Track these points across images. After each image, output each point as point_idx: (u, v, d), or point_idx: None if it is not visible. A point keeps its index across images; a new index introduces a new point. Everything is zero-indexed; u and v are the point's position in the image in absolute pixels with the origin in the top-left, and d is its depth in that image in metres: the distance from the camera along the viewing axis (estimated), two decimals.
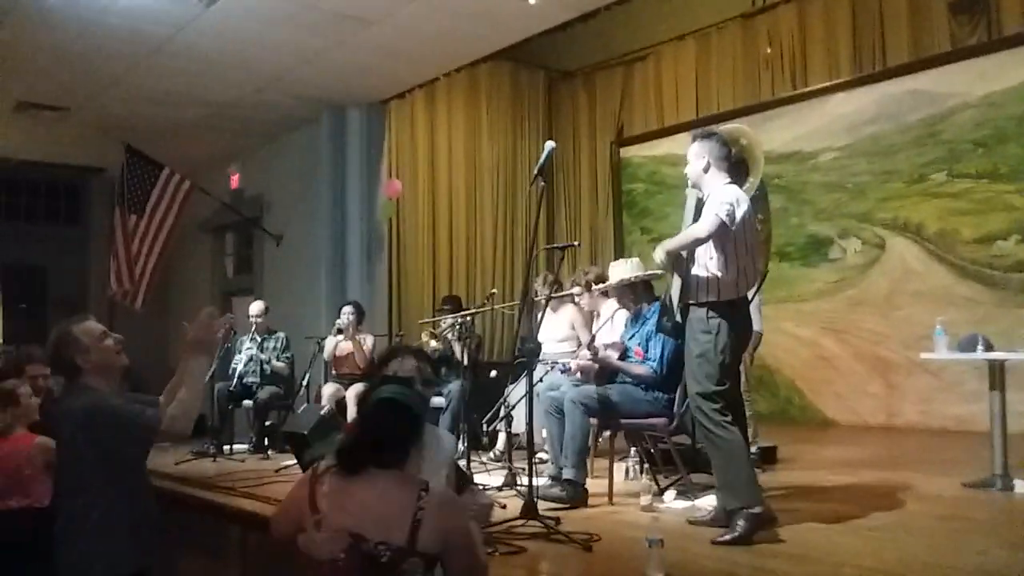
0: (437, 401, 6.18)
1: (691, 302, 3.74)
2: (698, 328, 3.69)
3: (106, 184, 11.28)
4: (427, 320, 7.27)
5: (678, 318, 3.81)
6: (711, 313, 3.67)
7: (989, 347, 4.64)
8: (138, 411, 2.84)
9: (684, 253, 3.77)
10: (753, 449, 4.90)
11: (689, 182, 3.89)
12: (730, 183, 3.77)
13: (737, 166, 4.04)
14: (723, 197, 3.65)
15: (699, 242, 3.67)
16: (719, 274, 3.67)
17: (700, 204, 3.78)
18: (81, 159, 10.95)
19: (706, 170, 3.78)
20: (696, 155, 3.81)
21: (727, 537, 3.51)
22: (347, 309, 6.95)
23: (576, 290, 5.53)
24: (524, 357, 4.84)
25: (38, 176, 11.50)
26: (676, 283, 3.81)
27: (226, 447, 6.91)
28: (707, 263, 3.70)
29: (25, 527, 3.58)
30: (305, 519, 2.20)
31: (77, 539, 2.80)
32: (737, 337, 3.73)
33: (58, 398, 3.09)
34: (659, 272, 4.78)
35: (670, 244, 3.75)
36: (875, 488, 4.66)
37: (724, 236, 3.63)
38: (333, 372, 7.09)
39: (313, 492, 2.21)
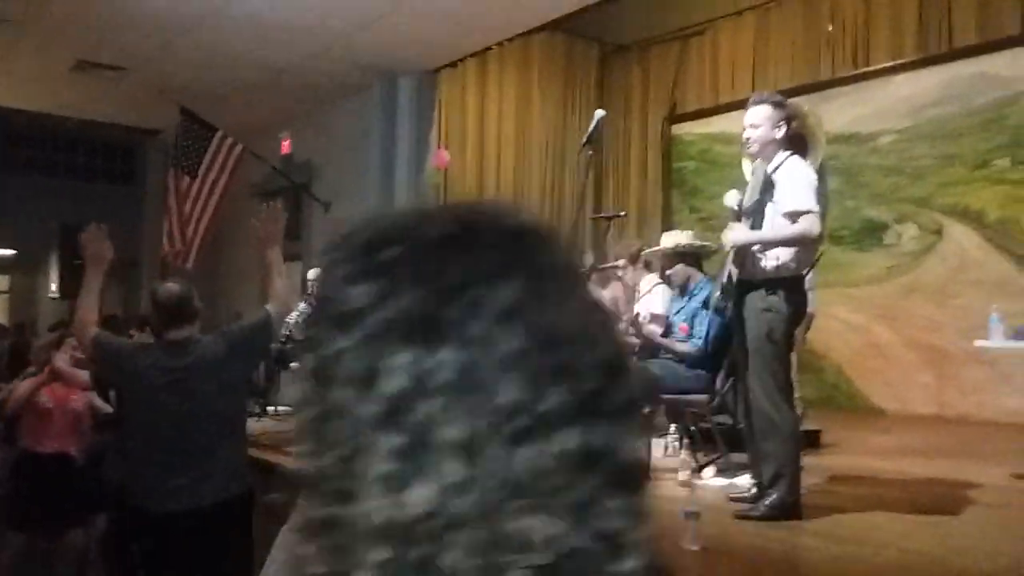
0: None
1: (749, 278, 3.60)
2: (757, 306, 3.56)
3: (161, 145, 11.47)
4: None
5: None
6: (770, 290, 3.54)
7: None
8: (252, 321, 3.29)
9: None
10: None
11: (751, 148, 3.68)
12: (793, 155, 3.64)
13: (793, 142, 3.92)
14: (803, 178, 3.52)
15: (809, 240, 3.52)
16: (780, 251, 3.55)
17: (768, 177, 3.58)
18: (137, 120, 11.14)
19: (776, 139, 3.61)
20: (768, 120, 3.61)
21: (751, 514, 3.47)
22: None
23: (620, 262, 5.47)
24: None
25: (96, 136, 11.75)
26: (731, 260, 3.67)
27: (270, 408, 7.01)
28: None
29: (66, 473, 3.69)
30: None
31: (204, 462, 3.03)
32: (794, 315, 3.64)
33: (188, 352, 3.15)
34: (712, 245, 4.71)
35: (765, 235, 3.54)
36: (921, 475, 4.54)
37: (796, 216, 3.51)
38: None
39: None
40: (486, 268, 0.47)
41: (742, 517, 3.47)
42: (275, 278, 3.26)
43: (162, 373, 3.09)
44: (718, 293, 3.82)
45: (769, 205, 3.58)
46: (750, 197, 3.71)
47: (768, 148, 3.63)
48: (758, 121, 3.64)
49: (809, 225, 3.47)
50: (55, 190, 11.33)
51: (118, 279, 11.77)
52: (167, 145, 10.01)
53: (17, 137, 11.36)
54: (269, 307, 3.24)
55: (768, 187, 3.57)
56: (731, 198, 3.82)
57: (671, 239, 4.88)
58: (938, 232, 7.46)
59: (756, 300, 3.57)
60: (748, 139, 3.67)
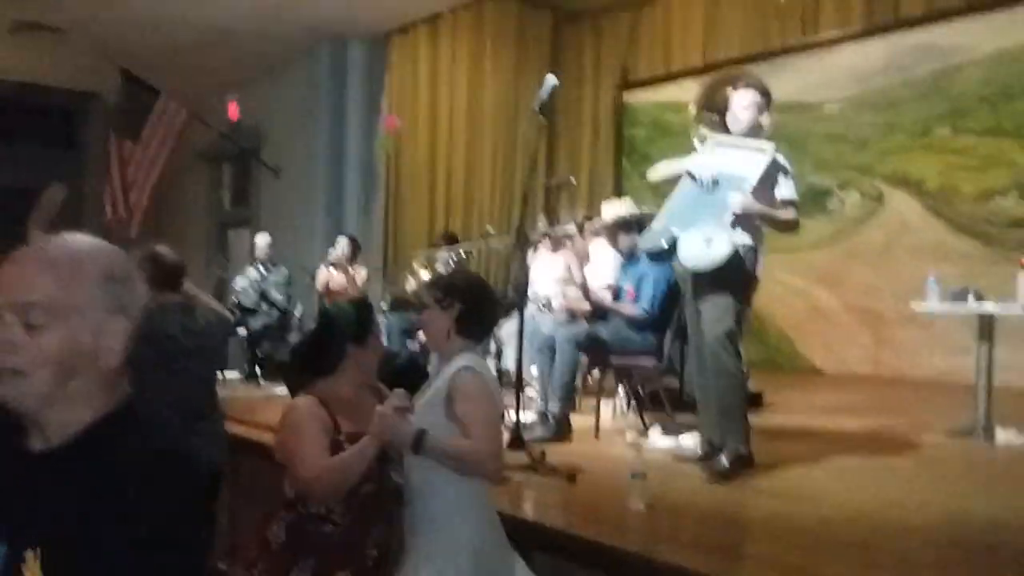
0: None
1: (730, 244, 3.60)
2: (734, 267, 3.62)
3: (102, 109, 11.15)
4: (421, 253, 7.26)
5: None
6: (748, 256, 3.68)
7: (980, 299, 4.66)
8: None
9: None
10: None
11: (736, 128, 3.79)
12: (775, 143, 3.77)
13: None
14: (789, 168, 3.72)
15: (795, 228, 3.75)
16: (760, 225, 3.73)
17: (775, 161, 3.68)
18: (77, 83, 10.81)
19: (761, 124, 3.77)
20: (755, 105, 3.77)
21: (716, 469, 3.56)
22: (342, 241, 6.96)
23: (571, 228, 5.52)
24: (515, 293, 4.84)
25: (33, 99, 11.35)
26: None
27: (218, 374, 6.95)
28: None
29: None
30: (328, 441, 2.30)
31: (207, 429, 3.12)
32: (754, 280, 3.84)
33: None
34: (652, 212, 4.80)
35: (770, 212, 3.66)
36: (858, 434, 4.73)
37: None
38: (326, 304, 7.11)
39: (331, 414, 2.35)
40: None
41: (711, 476, 3.54)
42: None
43: (189, 337, 3.03)
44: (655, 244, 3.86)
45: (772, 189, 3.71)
46: (714, 167, 3.73)
47: (751, 131, 3.78)
48: (747, 104, 3.78)
49: (795, 215, 3.73)
50: None
51: None
52: (108, 108, 9.76)
53: None
54: None
55: (773, 171, 3.68)
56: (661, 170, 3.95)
57: (611, 211, 4.95)
58: (879, 199, 7.66)
59: (733, 261, 3.61)
60: (737, 119, 3.79)
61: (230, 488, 4.86)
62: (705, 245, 3.58)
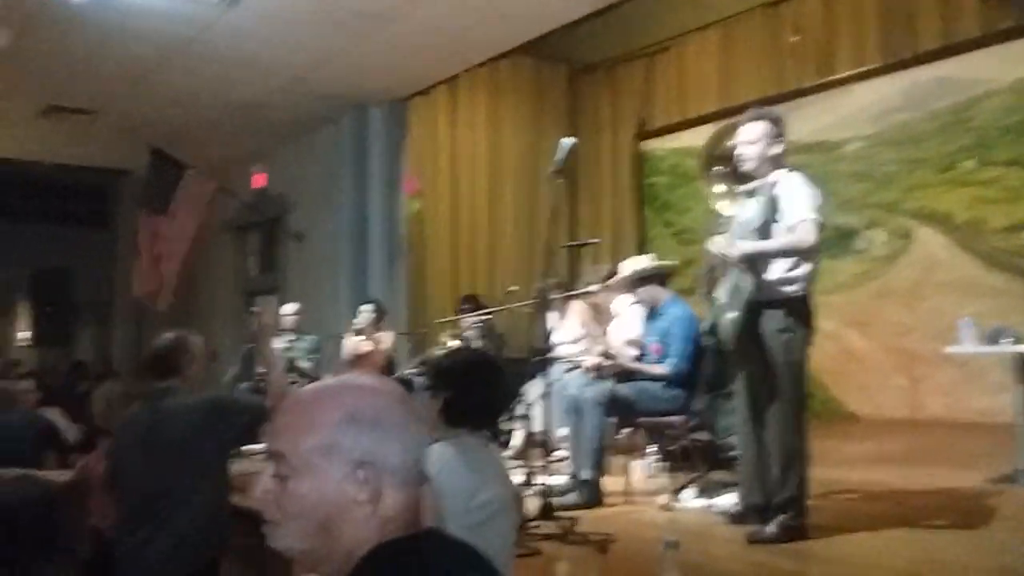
0: None
1: (765, 299, 3.49)
2: (775, 328, 3.51)
3: (133, 186, 11.43)
4: (444, 320, 7.24)
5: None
6: (788, 311, 3.52)
7: (1017, 339, 4.54)
8: (256, 398, 3.32)
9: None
10: None
11: (746, 164, 3.57)
12: (792, 170, 3.58)
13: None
14: (803, 190, 3.45)
15: (810, 250, 3.46)
16: (796, 271, 3.52)
17: (772, 197, 3.47)
18: (108, 161, 11.10)
19: (772, 155, 3.55)
20: (765, 136, 3.54)
21: (762, 537, 3.44)
22: (366, 308, 6.99)
23: (594, 287, 5.50)
24: (539, 356, 4.81)
25: (65, 179, 11.68)
26: (739, 279, 3.52)
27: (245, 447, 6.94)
28: (784, 260, 3.50)
29: None
30: None
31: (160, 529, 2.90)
32: (810, 334, 3.62)
33: (150, 402, 3.09)
34: (674, 263, 4.78)
35: (762, 246, 3.46)
36: (897, 485, 4.58)
37: None
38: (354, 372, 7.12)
39: None
40: None
41: (754, 541, 3.44)
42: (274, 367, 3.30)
43: (135, 427, 3.03)
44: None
45: (774, 224, 3.50)
46: (750, 221, 3.58)
47: (764, 165, 3.56)
48: (754, 138, 3.57)
49: (804, 233, 3.42)
50: (26, 236, 11.25)
51: (92, 322, 11.68)
52: (139, 185, 10.00)
53: None
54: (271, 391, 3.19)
55: (772, 205, 3.48)
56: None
57: (629, 266, 4.93)
58: (907, 236, 7.53)
59: (773, 322, 3.51)
60: (741, 155, 3.59)
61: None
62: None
